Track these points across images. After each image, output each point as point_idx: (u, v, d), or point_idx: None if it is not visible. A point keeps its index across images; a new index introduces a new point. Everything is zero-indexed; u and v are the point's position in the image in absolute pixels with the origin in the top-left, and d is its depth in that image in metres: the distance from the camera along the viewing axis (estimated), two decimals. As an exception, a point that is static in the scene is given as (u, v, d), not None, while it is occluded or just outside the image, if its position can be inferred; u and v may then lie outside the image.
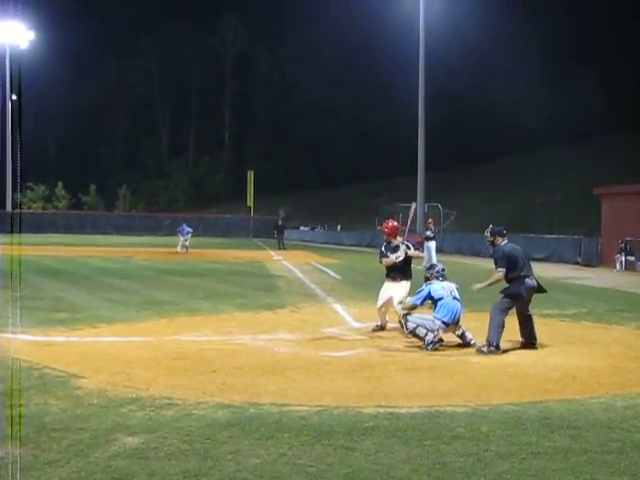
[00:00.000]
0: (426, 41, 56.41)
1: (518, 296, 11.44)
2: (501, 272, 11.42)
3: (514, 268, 11.40)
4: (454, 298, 11.87)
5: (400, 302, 12.77)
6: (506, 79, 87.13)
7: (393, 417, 7.34)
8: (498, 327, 11.20)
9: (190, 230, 43.28)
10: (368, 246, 58.50)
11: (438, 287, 11.99)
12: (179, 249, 41.97)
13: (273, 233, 57.12)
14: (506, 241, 11.84)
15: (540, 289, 11.77)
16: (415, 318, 11.72)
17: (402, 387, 8.80)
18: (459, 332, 11.76)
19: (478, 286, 11.65)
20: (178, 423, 7.03)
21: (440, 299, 11.79)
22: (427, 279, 12.24)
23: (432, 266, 12.76)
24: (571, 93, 79.48)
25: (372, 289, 22.05)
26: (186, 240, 42.49)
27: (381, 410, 7.59)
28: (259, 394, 8.28)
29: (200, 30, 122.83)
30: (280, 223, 59.28)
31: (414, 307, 12.01)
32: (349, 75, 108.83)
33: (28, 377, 8.86)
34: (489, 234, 11.95)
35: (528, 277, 11.48)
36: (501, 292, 11.57)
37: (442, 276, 12.28)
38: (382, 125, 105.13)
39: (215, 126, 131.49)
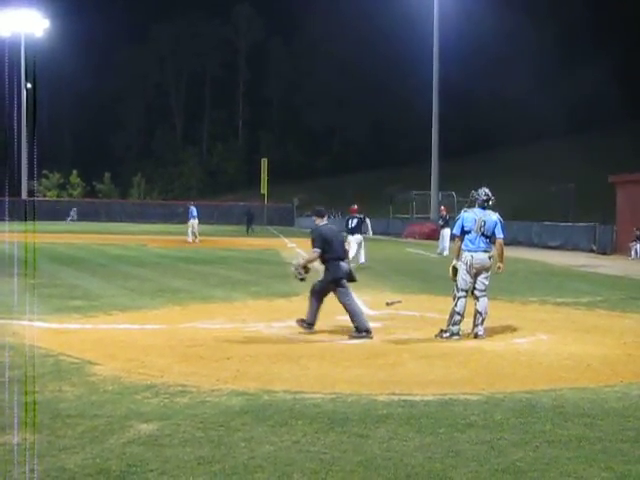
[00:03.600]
0: (440, 29, 56.28)
1: (339, 279, 11.61)
2: (316, 252, 11.62)
3: (329, 249, 11.58)
4: (483, 235, 11.45)
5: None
6: (521, 65, 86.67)
7: (407, 405, 7.33)
8: (317, 311, 11.67)
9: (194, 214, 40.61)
10: (382, 234, 58.46)
11: (470, 217, 11.59)
12: (189, 239, 40.12)
13: (245, 220, 61.93)
14: (325, 222, 12.11)
15: (351, 277, 11.86)
16: (462, 306, 11.46)
17: (416, 375, 8.80)
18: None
19: (295, 263, 12.09)
20: (192, 410, 7.04)
21: (469, 232, 11.47)
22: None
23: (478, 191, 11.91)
24: (587, 80, 79.04)
25: (386, 277, 22.10)
26: (194, 227, 40.48)
27: (395, 398, 7.59)
28: (273, 381, 8.28)
29: (214, 19, 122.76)
30: (251, 211, 64.65)
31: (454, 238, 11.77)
32: (363, 63, 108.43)
33: (43, 364, 8.89)
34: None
35: (342, 260, 11.73)
36: (322, 280, 11.79)
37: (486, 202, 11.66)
38: (396, 113, 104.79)
39: (229, 114, 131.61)
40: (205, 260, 27.73)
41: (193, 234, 40.48)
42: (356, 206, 26.56)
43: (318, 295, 11.76)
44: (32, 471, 5.29)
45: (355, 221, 25.69)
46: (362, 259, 25.74)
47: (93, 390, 7.77)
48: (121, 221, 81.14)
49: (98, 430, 6.36)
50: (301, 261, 12.04)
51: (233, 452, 5.85)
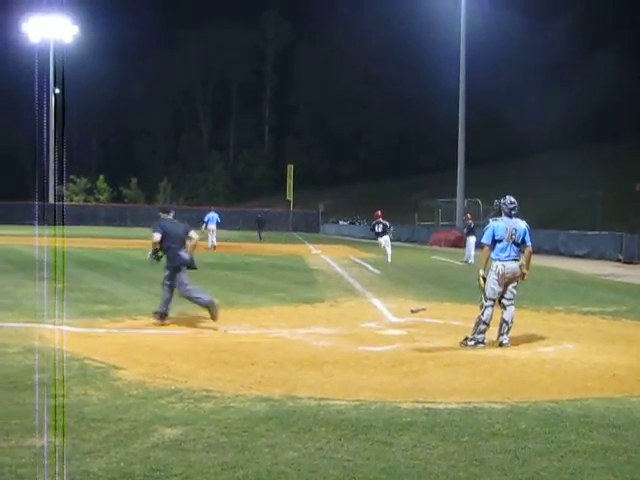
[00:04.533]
0: (466, 36, 56.17)
1: (178, 267, 12.88)
2: (156, 236, 12.97)
3: (167, 240, 12.92)
4: (514, 243, 11.37)
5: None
6: (547, 73, 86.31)
7: (431, 413, 7.31)
8: (167, 301, 12.87)
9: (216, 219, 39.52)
10: (407, 241, 58.35)
11: (501, 225, 11.47)
12: (209, 246, 37.75)
13: (256, 226, 60.77)
14: (170, 217, 13.59)
15: (191, 265, 13.09)
16: (489, 315, 11.46)
17: (440, 383, 8.77)
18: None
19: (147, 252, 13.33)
20: (216, 415, 7.06)
21: (500, 241, 11.39)
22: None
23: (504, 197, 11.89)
24: (614, 88, 78.54)
25: (411, 284, 22.05)
26: (213, 233, 38.89)
27: (419, 405, 7.57)
28: (297, 388, 8.29)
29: (242, 25, 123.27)
30: (260, 216, 62.74)
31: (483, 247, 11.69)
32: (389, 70, 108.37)
33: (69, 368, 8.94)
34: None
35: (181, 250, 12.93)
36: (166, 267, 13.01)
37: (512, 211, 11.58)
38: (422, 119, 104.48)
39: (255, 120, 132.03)
40: (230, 266, 27.80)
41: (212, 242, 38.71)
42: (380, 212, 31.55)
43: (168, 286, 12.98)
44: (57, 474, 5.33)
45: (381, 226, 31.23)
46: (389, 258, 30.34)
47: (118, 394, 7.81)
48: (147, 226, 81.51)
49: (122, 434, 6.39)
50: (150, 248, 13.32)
51: (257, 458, 5.86)
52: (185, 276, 12.93)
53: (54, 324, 12.12)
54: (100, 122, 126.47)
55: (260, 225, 59.04)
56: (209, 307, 12.71)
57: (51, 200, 78.31)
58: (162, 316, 12.83)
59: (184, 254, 12.93)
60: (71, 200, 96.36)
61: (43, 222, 72.71)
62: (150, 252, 13.25)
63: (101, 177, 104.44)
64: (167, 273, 13.03)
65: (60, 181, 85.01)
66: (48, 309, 13.71)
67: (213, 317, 12.68)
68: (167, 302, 12.95)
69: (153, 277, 21.91)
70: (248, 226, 77.34)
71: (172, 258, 12.92)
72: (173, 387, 8.15)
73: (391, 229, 31.84)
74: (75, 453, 5.83)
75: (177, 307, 15.13)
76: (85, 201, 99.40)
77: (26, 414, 6.86)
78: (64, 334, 11.28)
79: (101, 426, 6.60)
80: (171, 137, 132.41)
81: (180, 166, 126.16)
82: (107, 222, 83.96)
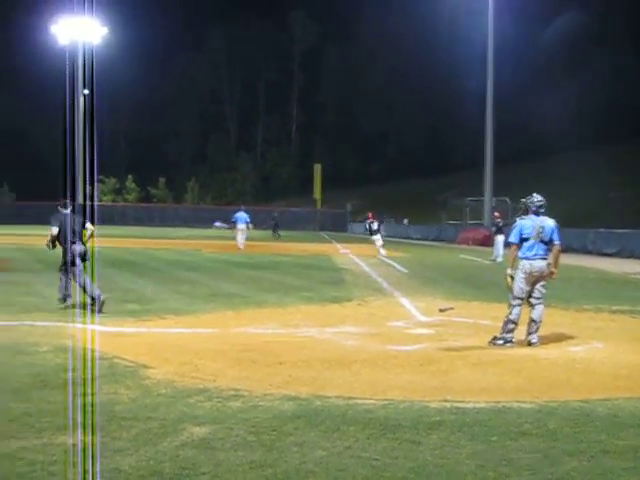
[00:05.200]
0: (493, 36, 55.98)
1: (73, 258, 14.06)
2: (54, 230, 14.39)
3: (63, 231, 14.24)
4: (541, 241, 11.29)
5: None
6: (571, 71, 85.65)
7: (459, 412, 7.28)
8: (90, 284, 13.90)
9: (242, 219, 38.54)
10: (435, 240, 58.22)
11: (528, 224, 11.36)
12: (241, 245, 37.69)
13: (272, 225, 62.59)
14: (67, 211, 14.68)
15: (84, 257, 14.21)
16: (517, 314, 11.37)
17: (468, 382, 8.73)
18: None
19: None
20: (245, 414, 7.07)
21: (527, 239, 11.30)
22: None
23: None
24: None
25: (439, 283, 21.99)
26: (242, 233, 38.21)
27: (447, 405, 7.54)
28: (325, 387, 8.29)
29: (269, 25, 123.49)
30: (275, 216, 64.72)
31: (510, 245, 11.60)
32: (417, 68, 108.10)
33: (99, 367, 9.00)
34: None
35: (76, 242, 14.19)
36: (62, 257, 14.31)
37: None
38: (449, 119, 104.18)
39: (283, 120, 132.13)
40: (258, 265, 27.87)
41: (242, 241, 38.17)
42: (371, 214, 36.88)
43: (63, 272, 14.31)
44: (88, 472, 5.37)
45: (375, 225, 35.62)
46: (383, 252, 33.99)
47: (147, 393, 7.85)
48: (175, 226, 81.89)
49: (152, 433, 6.42)
50: (48, 239, 14.64)
51: (285, 457, 5.87)
52: (79, 266, 14.05)
53: (84, 323, 12.24)
54: (129, 123, 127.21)
55: (275, 225, 61.34)
56: (94, 298, 13.69)
57: (80, 200, 78.95)
58: (64, 299, 14.32)
59: (78, 246, 14.20)
60: (100, 200, 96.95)
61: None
62: (47, 242, 14.63)
63: (130, 177, 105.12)
64: (62, 262, 14.36)
65: (90, 181, 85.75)
66: (79, 308, 13.83)
67: (97, 310, 13.54)
68: (65, 285, 14.36)
69: (181, 276, 22.10)
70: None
71: (65, 252, 14.22)
72: (201, 386, 8.18)
73: (381, 228, 37.07)
74: (105, 451, 5.86)
75: (206, 306, 15.21)
76: (114, 201, 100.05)
77: (57, 412, 6.92)
78: (94, 333, 11.36)
79: (131, 424, 6.64)
80: (199, 137, 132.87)
81: (208, 166, 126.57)
82: (135, 222, 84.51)
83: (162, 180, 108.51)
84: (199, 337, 11.61)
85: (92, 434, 6.25)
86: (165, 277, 21.85)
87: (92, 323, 12.29)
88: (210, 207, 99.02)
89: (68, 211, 14.74)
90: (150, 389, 8.03)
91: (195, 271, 24.25)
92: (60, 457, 5.71)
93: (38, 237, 41.21)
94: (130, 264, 26.34)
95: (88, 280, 13.90)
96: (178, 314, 13.90)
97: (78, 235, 14.35)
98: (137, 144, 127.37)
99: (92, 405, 7.14)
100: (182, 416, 6.97)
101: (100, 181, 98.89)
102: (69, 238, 14.11)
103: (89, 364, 9.04)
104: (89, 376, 8.38)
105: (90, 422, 6.58)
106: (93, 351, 9.91)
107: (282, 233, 60.59)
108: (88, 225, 14.67)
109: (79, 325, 11.97)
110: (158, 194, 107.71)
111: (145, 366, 9.18)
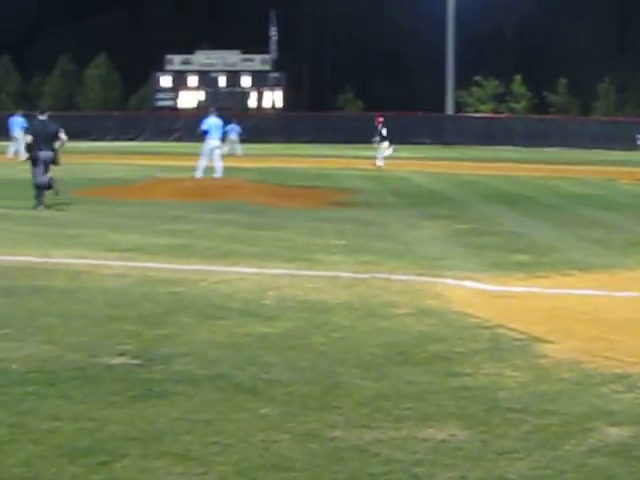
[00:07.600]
0: None
1: (35, 161, 21.46)
2: (27, 137, 22.36)
3: (37, 138, 21.58)
4: None
5: None
6: None
7: None
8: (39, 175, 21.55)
9: None
10: None
11: None
12: None
13: None
14: (44, 117, 22.18)
15: (54, 161, 21.67)
16: None
17: None
18: None
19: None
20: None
21: None
22: None
23: None
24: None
25: None
26: None
27: None
28: None
29: None
30: None
31: None
32: None
33: (476, 338, 9.20)
34: None
35: (42, 150, 21.33)
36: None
37: None
38: None
39: None
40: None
41: None
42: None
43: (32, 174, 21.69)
44: (463, 478, 5.50)
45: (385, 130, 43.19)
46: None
47: (543, 377, 7.90)
48: (581, 147, 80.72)
49: (549, 431, 6.47)
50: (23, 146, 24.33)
51: None
52: (40, 170, 21.15)
53: (456, 278, 12.53)
54: (515, 9, 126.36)
55: None
56: (50, 187, 21.25)
57: (449, 111, 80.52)
58: (38, 194, 21.37)
59: (43, 152, 21.25)
60: (475, 110, 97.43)
61: (435, 141, 74.96)
62: (24, 149, 23.18)
63: (517, 78, 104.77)
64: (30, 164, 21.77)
65: (460, 85, 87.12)
66: (447, 258, 14.21)
67: (55, 193, 21.37)
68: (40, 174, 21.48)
69: (590, 217, 21.95)
70: None
71: (35, 154, 21.29)
72: (619, 370, 8.11)
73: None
74: (486, 452, 5.99)
75: (626, 260, 14.99)
76: (495, 111, 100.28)
77: (421, 396, 7.19)
78: (468, 292, 11.62)
79: (520, 419, 6.73)
80: (614, 21, 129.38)
81: (627, 61, 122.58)
82: (524, 141, 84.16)
83: (563, 82, 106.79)
84: (616, 303, 11.52)
85: (468, 428, 6.43)
86: (567, 218, 21.81)
87: (468, 279, 12.53)
88: (630, 120, 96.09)
89: (45, 117, 22.18)
90: (547, 372, 8.08)
91: (609, 210, 23.94)
92: (426, 456, 5.89)
93: (397, 162, 42.75)
94: (518, 199, 26.54)
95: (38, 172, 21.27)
96: (586, 270, 13.82)
97: (46, 142, 21.34)
98: (527, 31, 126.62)
99: (467, 389, 7.34)
100: (592, 411, 6.96)
101: (476, 84, 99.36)
102: (41, 145, 21.31)
103: (464, 334, 9.27)
104: (464, 350, 8.60)
105: (465, 412, 6.77)
106: (469, 317, 10.15)
107: None
108: (62, 134, 21.53)
109: (450, 281, 12.28)
110: (557, 101, 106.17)
111: (540, 340, 9.25)
